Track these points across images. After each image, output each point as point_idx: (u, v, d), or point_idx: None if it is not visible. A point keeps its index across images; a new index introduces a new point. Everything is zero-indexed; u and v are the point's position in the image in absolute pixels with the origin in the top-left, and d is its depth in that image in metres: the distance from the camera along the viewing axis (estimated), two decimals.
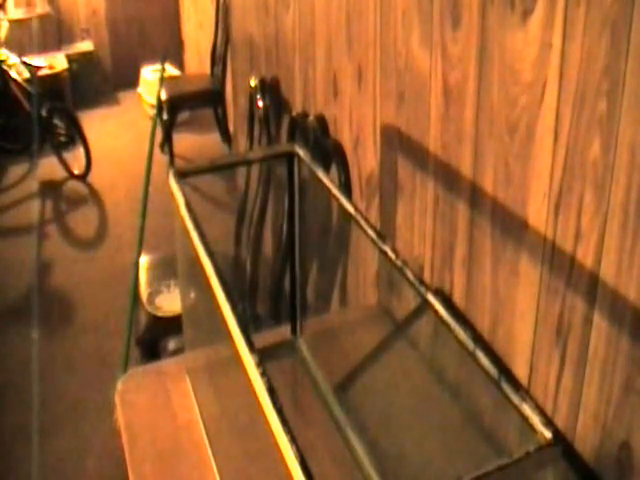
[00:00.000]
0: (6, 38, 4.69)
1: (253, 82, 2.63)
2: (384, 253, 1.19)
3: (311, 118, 2.15)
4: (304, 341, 1.62)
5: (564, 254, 1.08)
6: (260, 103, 2.53)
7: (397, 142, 1.63)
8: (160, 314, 2.67)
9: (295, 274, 1.59)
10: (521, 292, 1.22)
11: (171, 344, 2.54)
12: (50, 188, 4.43)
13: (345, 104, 1.93)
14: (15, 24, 5.03)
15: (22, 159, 4.60)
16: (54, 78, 5.03)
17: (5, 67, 4.49)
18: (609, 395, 1.03)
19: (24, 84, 4.49)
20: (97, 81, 5.60)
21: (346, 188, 1.95)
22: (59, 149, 4.49)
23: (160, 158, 4.15)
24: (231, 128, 4.33)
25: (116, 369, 2.48)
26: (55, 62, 5.14)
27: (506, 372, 0.95)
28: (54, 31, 5.52)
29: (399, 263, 1.16)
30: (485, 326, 1.34)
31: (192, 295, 1.66)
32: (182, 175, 1.36)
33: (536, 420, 0.88)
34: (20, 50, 4.75)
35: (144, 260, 2.87)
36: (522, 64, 1.12)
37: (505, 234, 1.24)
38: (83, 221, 4.11)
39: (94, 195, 4.37)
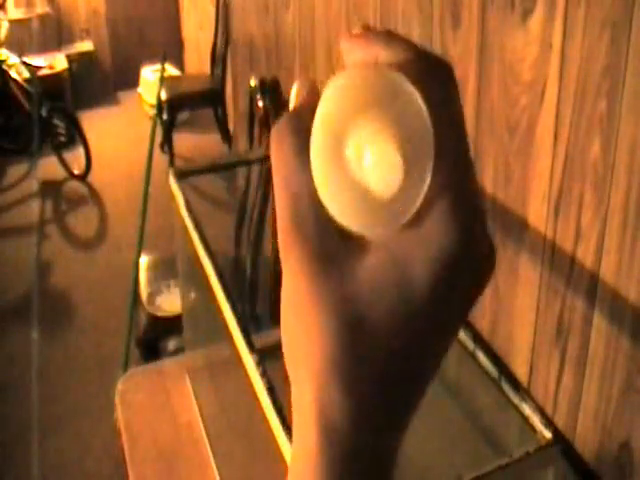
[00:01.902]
0: (6, 38, 4.68)
1: (253, 82, 2.63)
2: None
3: None
4: None
5: (564, 254, 1.08)
6: (260, 103, 2.53)
7: None
8: (160, 314, 2.67)
9: None
10: (521, 292, 1.22)
11: (171, 344, 2.54)
12: (50, 188, 4.43)
13: None
14: (15, 24, 5.03)
15: (22, 159, 4.60)
16: (54, 78, 5.03)
17: (5, 67, 4.49)
18: (609, 395, 1.03)
19: (24, 84, 4.49)
20: (97, 81, 5.60)
21: None
22: (59, 149, 4.49)
23: (160, 158, 4.15)
24: (231, 128, 4.33)
25: (116, 369, 2.48)
26: (55, 62, 5.14)
27: (506, 372, 0.95)
28: (54, 31, 5.52)
29: None
30: (485, 326, 1.34)
31: (192, 295, 1.66)
32: (182, 175, 1.36)
33: (536, 420, 0.88)
34: (20, 50, 4.75)
35: (144, 260, 2.87)
36: (522, 64, 1.12)
37: (505, 234, 1.24)
38: (83, 221, 4.12)
39: (94, 195, 4.37)
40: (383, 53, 0.29)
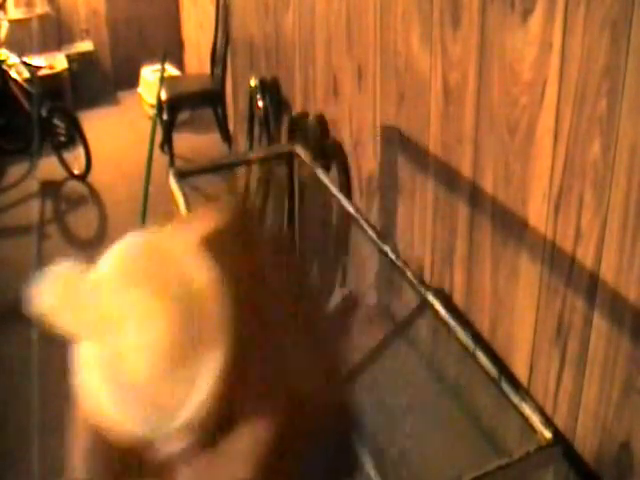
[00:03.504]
0: (6, 38, 4.68)
1: (253, 82, 2.63)
2: (384, 253, 1.19)
3: (311, 118, 2.15)
4: None
5: (564, 254, 1.08)
6: (260, 103, 2.53)
7: (397, 142, 1.62)
8: None
9: None
10: (521, 292, 1.22)
11: None
12: (50, 188, 4.43)
13: (345, 104, 1.93)
14: (15, 24, 5.02)
15: (22, 159, 4.60)
16: (54, 78, 5.02)
17: (5, 67, 4.49)
18: (609, 395, 1.03)
19: (24, 84, 4.49)
20: (97, 81, 5.60)
21: (346, 188, 1.95)
22: (59, 149, 4.49)
23: (160, 158, 4.14)
24: (231, 128, 4.32)
25: None
26: (55, 62, 5.14)
27: (506, 372, 0.95)
28: (54, 31, 5.52)
29: (399, 263, 1.16)
30: (485, 326, 1.34)
31: None
32: (182, 175, 1.36)
33: (536, 420, 0.89)
34: (20, 50, 4.74)
35: None
36: (522, 64, 1.12)
37: (505, 234, 1.24)
38: (83, 221, 4.11)
39: (94, 195, 4.37)
40: None
